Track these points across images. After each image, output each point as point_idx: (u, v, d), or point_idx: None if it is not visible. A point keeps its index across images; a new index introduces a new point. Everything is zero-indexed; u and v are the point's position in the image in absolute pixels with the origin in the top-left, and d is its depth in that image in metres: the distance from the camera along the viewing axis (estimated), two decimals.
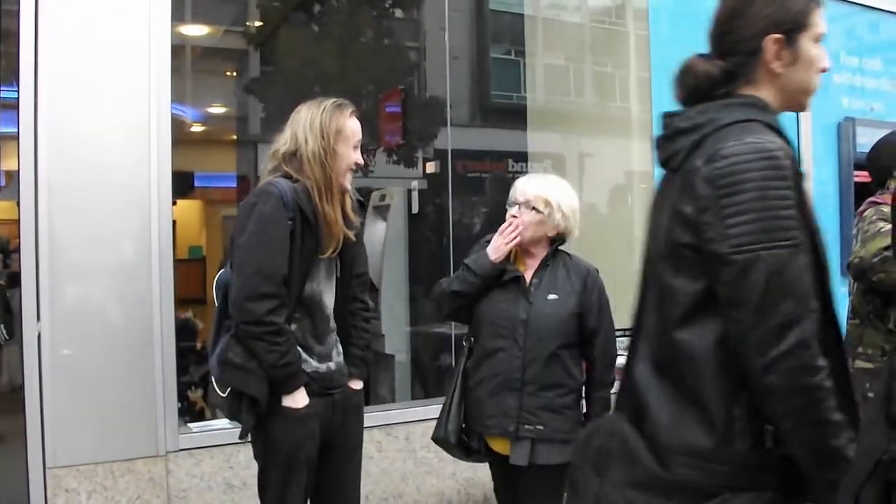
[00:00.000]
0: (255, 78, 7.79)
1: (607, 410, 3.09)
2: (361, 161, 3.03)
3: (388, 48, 7.26)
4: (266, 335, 2.73)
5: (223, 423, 3.96)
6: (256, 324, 2.73)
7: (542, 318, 3.10)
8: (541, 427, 3.06)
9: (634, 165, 6.08)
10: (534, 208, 3.14)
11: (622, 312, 5.51)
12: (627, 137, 6.08)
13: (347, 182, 2.99)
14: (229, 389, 2.84)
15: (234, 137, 8.59)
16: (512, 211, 3.20)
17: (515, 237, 3.16)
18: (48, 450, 3.66)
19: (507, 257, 3.21)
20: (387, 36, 7.24)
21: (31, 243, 3.64)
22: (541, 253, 3.22)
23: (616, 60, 6.32)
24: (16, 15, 3.64)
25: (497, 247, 3.16)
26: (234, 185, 8.55)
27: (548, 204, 3.14)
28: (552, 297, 3.13)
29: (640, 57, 5.94)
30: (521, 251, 3.25)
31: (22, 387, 3.69)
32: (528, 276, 3.20)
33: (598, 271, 3.25)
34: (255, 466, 2.98)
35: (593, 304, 3.15)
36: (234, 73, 8.41)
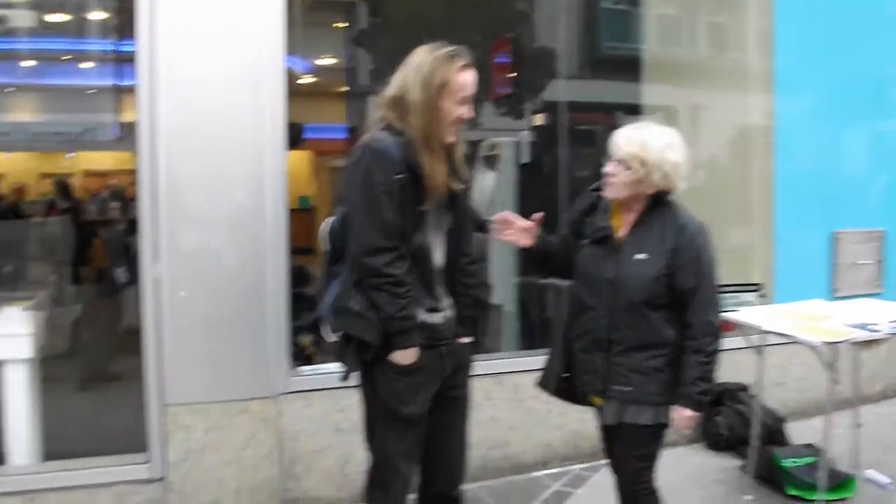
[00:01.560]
0: (364, 29, 7.78)
1: (705, 380, 2.86)
2: (468, 116, 2.88)
3: None
4: (387, 286, 2.74)
5: (334, 366, 4.02)
6: (377, 276, 2.74)
7: (629, 278, 2.89)
8: (629, 388, 2.92)
9: (752, 118, 5.86)
10: (629, 167, 2.88)
11: (734, 268, 5.38)
12: (744, 90, 5.88)
13: (451, 136, 2.88)
14: (339, 334, 2.87)
15: (344, 89, 8.63)
16: (608, 167, 2.95)
17: (512, 237, 3.16)
18: (166, 388, 3.81)
19: (605, 213, 3.04)
20: None
21: (149, 189, 3.75)
22: (639, 208, 2.96)
23: (733, 10, 6.09)
24: None
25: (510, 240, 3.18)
26: (344, 136, 8.61)
27: (644, 164, 2.85)
28: (639, 256, 2.89)
29: (761, 6, 5.70)
30: (620, 205, 3.00)
31: (141, 328, 3.84)
32: (622, 232, 2.98)
33: (702, 227, 2.94)
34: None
35: (686, 264, 2.85)
36: (344, 25, 8.43)
